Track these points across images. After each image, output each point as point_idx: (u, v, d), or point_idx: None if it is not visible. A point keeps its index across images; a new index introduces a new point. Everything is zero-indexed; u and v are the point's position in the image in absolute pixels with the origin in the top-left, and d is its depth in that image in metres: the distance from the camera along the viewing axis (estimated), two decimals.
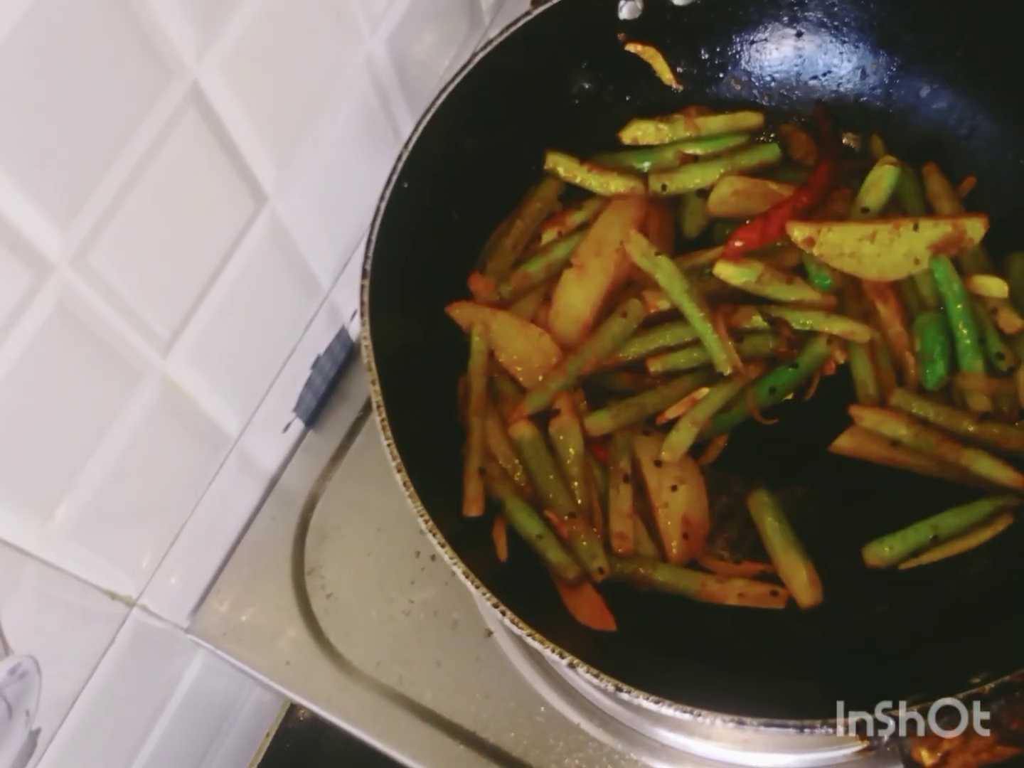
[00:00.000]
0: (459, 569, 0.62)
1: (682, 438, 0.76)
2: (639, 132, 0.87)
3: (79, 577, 0.69)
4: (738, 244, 0.79)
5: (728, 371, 0.77)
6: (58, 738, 0.71)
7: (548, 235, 0.84)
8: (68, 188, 0.56)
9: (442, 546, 0.62)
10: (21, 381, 0.57)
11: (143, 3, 0.56)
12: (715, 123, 0.87)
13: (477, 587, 0.62)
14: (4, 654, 0.62)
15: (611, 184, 0.84)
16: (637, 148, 0.87)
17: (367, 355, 0.68)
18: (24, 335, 0.56)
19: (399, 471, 0.64)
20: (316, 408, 0.92)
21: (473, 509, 0.73)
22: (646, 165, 0.86)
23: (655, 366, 0.79)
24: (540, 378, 0.78)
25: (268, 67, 0.69)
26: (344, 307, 0.90)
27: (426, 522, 0.63)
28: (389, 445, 0.65)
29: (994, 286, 0.77)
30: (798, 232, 0.79)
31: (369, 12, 0.77)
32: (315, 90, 0.75)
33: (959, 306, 0.77)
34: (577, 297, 0.80)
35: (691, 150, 0.86)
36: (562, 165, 0.85)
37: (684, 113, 0.87)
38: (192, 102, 0.62)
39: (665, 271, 0.78)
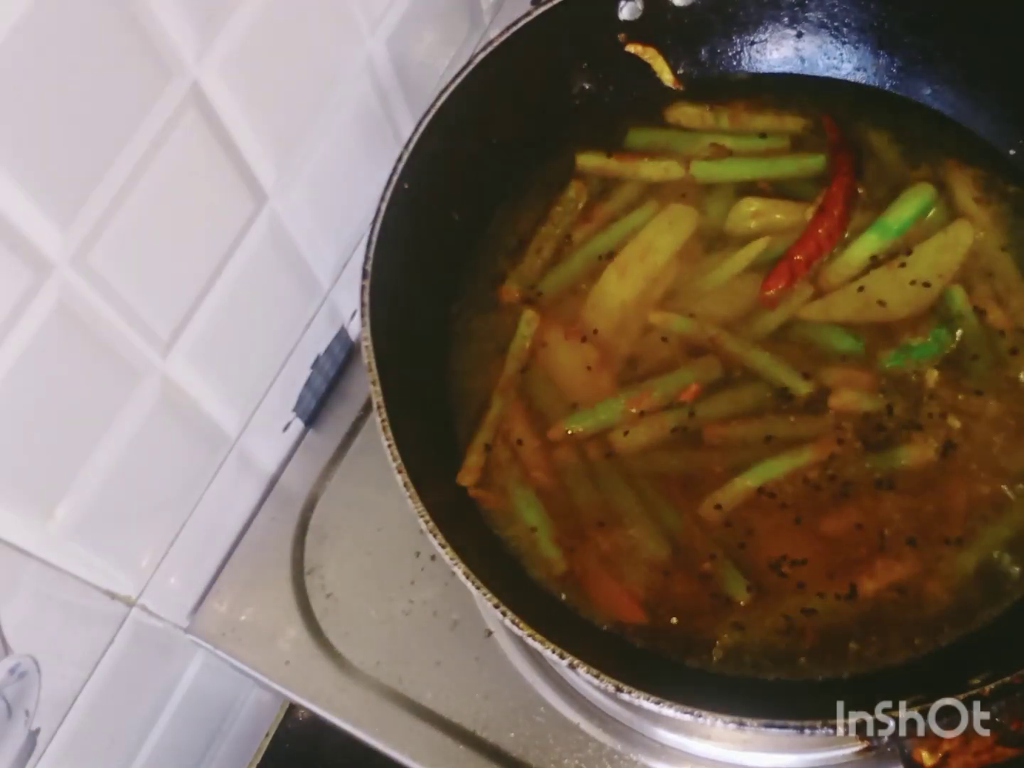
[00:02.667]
0: (459, 569, 0.62)
1: (737, 491, 0.72)
2: (683, 115, 0.86)
3: (79, 577, 0.69)
4: (770, 294, 0.78)
5: (805, 390, 0.74)
6: (58, 738, 0.71)
7: (579, 234, 0.83)
8: (68, 187, 0.56)
9: (442, 546, 0.62)
10: (21, 381, 0.57)
11: (143, 3, 0.56)
12: (759, 122, 0.85)
13: (477, 587, 0.61)
14: (4, 654, 0.62)
15: (645, 170, 0.84)
16: (672, 130, 0.86)
17: (367, 355, 0.68)
18: (24, 335, 0.56)
19: (399, 472, 0.64)
20: (316, 408, 0.92)
21: (468, 478, 0.74)
22: (680, 148, 0.84)
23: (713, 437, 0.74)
24: (585, 391, 0.77)
25: (268, 67, 0.69)
26: (344, 307, 0.90)
27: (426, 522, 0.63)
28: (390, 446, 0.65)
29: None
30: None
31: (369, 12, 0.77)
32: (315, 90, 0.75)
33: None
34: (614, 295, 0.79)
35: (727, 143, 0.84)
36: (593, 163, 0.85)
37: (729, 106, 0.86)
38: (192, 102, 0.62)
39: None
